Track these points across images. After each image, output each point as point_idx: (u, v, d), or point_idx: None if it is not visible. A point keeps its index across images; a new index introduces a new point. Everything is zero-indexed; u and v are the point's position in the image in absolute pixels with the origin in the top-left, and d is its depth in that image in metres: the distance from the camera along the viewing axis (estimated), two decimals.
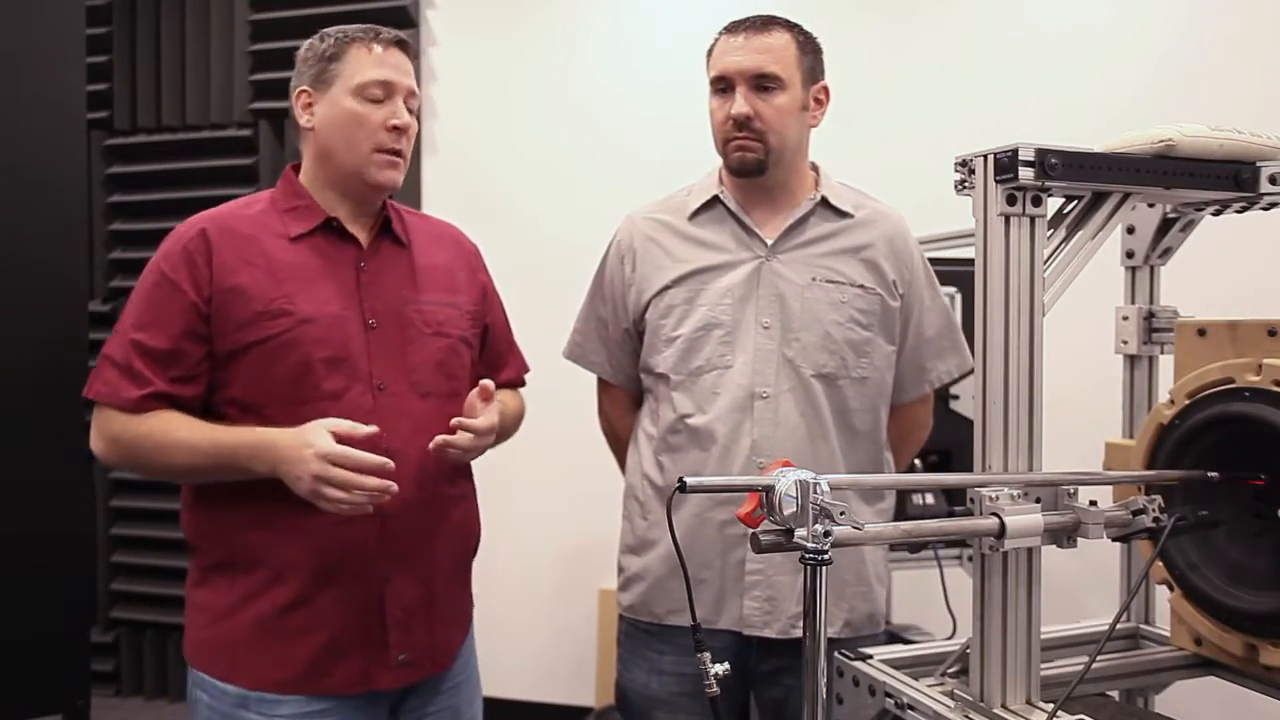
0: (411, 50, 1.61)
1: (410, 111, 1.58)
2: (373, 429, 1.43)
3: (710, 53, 1.73)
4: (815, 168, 1.81)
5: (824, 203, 1.75)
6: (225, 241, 1.51)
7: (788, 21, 1.71)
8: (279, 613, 1.49)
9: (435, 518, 1.59)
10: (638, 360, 1.83)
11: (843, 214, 1.75)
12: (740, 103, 1.67)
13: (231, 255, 1.50)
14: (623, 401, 1.91)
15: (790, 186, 1.75)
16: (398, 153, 1.56)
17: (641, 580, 1.78)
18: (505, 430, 1.71)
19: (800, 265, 1.72)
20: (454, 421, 1.53)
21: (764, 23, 1.69)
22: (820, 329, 1.69)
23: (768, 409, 1.68)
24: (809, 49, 1.72)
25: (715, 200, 1.76)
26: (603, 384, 1.93)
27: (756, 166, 1.70)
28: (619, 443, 1.93)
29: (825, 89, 1.74)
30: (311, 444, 1.39)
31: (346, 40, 1.56)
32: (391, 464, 1.41)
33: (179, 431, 1.47)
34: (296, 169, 1.63)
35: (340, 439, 1.40)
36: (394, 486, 1.42)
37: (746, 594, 1.69)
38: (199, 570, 1.57)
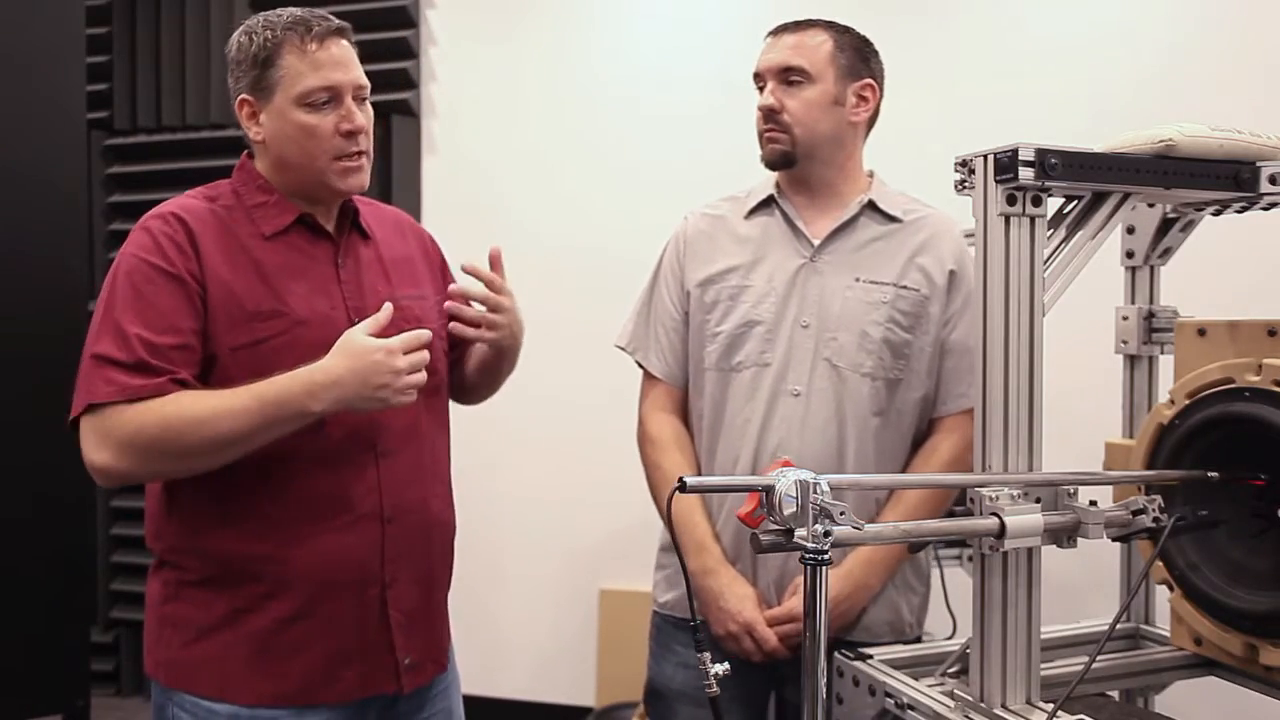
0: (349, 34, 1.48)
1: (361, 101, 1.47)
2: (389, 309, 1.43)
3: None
4: (871, 174, 1.81)
5: (872, 206, 1.75)
6: (206, 233, 1.42)
7: (829, 22, 1.75)
8: (279, 627, 1.42)
9: (429, 517, 1.55)
10: (686, 357, 1.82)
11: (891, 218, 1.75)
12: (766, 96, 1.73)
13: (215, 249, 1.42)
14: (664, 402, 1.83)
15: (837, 188, 1.76)
16: (358, 153, 1.47)
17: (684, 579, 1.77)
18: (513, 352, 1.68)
19: (844, 266, 1.71)
20: (449, 305, 1.53)
21: (800, 23, 1.75)
22: (858, 328, 1.68)
23: (798, 407, 1.68)
24: (849, 46, 1.73)
25: (770, 200, 1.79)
26: (648, 381, 1.85)
27: (783, 158, 1.74)
28: (653, 445, 1.80)
29: (871, 87, 1.74)
30: (376, 345, 1.36)
31: (276, 41, 1.42)
32: (428, 333, 1.42)
33: (209, 399, 1.33)
34: (252, 157, 1.54)
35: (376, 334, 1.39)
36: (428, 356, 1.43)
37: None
38: (173, 585, 1.46)
